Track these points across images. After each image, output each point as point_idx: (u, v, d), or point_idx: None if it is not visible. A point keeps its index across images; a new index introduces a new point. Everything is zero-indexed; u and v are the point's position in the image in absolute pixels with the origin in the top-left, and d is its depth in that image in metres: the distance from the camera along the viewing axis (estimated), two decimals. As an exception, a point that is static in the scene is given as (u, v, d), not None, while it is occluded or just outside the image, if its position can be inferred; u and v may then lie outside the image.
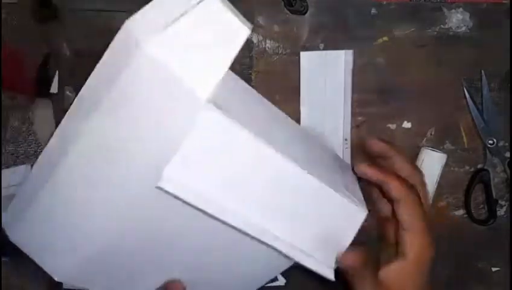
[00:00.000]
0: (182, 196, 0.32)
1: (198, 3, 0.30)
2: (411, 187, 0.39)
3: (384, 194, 0.40)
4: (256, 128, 0.33)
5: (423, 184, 0.42)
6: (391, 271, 0.39)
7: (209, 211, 0.33)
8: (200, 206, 0.32)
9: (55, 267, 0.37)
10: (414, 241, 0.39)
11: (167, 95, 0.29)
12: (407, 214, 0.39)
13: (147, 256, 0.40)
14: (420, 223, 0.39)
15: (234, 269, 0.43)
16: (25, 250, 0.37)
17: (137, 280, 0.42)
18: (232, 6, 0.31)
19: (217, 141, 0.31)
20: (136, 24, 0.29)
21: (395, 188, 0.39)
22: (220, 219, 0.33)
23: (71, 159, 0.33)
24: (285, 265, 0.41)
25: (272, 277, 0.46)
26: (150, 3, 0.30)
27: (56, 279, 0.37)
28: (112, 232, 0.36)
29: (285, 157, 0.34)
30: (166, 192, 0.31)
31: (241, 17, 0.31)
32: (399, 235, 0.39)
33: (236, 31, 0.31)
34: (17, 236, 0.37)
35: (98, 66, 0.32)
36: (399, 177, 0.39)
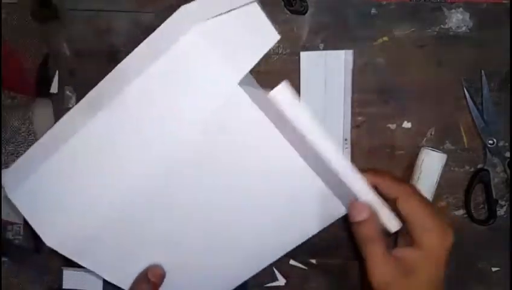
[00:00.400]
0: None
1: (242, 5, 0.37)
2: (404, 183, 0.40)
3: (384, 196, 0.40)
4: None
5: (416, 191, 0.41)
6: (406, 253, 0.39)
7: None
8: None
9: (48, 232, 0.39)
10: (425, 237, 0.38)
11: (204, 73, 0.35)
12: (409, 211, 0.39)
13: (144, 234, 0.42)
14: (426, 218, 0.38)
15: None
16: (21, 210, 0.39)
17: (126, 260, 0.43)
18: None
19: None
20: (189, 10, 0.35)
21: (387, 186, 0.39)
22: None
23: (99, 122, 0.36)
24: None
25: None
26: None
27: (47, 244, 0.39)
28: (117, 202, 0.39)
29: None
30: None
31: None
32: (410, 230, 0.39)
33: (269, 34, 0.38)
34: (15, 195, 0.39)
35: (152, 35, 0.37)
36: (390, 175, 0.40)
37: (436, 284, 0.39)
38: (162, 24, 0.36)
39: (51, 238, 0.39)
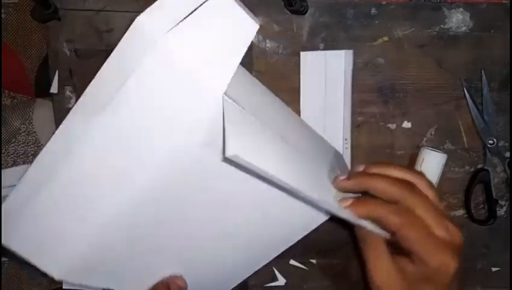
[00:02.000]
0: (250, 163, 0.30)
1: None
2: (411, 188, 0.36)
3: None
4: (262, 116, 0.35)
5: (428, 185, 0.38)
6: (407, 267, 0.36)
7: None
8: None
9: (54, 266, 0.37)
10: (428, 259, 0.35)
11: (184, 89, 0.30)
12: (410, 240, 0.36)
13: (151, 247, 0.41)
14: (428, 242, 0.35)
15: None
16: (20, 252, 0.37)
17: (139, 273, 0.42)
18: (241, 3, 0.32)
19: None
20: (148, 21, 0.29)
21: (384, 191, 0.36)
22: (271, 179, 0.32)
23: (81, 153, 0.33)
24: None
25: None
26: (159, 1, 0.30)
27: (56, 277, 0.37)
28: (119, 221, 0.36)
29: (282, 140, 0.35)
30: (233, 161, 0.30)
31: (250, 13, 0.32)
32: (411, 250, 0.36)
33: (247, 26, 0.32)
34: (10, 239, 0.36)
35: (106, 63, 0.31)
36: (390, 178, 0.37)
37: None
38: (120, 42, 0.30)
39: (57, 271, 0.37)
